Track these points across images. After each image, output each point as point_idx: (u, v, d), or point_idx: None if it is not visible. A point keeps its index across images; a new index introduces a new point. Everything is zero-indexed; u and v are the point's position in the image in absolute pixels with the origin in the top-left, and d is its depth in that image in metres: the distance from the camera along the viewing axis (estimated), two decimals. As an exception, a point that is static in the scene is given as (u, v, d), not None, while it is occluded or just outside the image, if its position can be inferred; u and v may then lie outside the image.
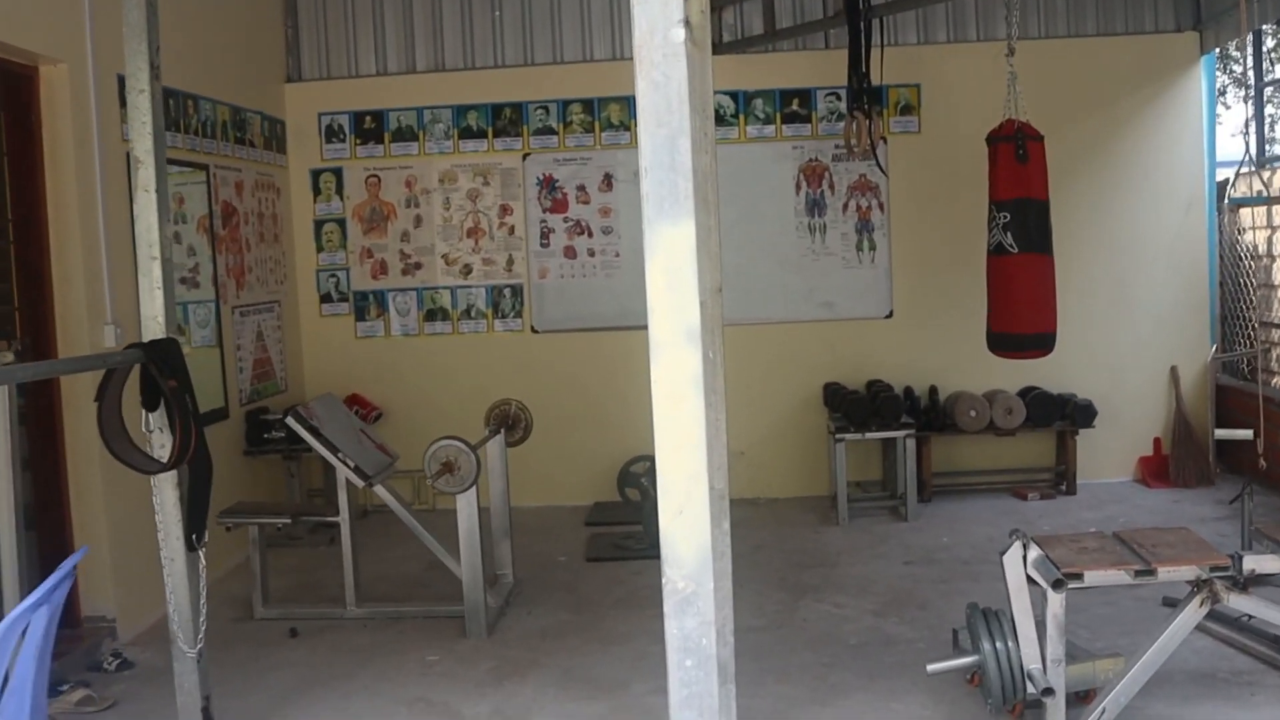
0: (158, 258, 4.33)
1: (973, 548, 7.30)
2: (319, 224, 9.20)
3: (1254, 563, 4.44)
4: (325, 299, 9.24)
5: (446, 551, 6.25)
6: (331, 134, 9.14)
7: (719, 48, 8.89)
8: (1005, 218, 7.08)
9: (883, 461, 8.84)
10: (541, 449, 8.75)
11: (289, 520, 6.53)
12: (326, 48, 9.19)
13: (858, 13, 7.75)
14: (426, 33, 9.11)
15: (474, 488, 5.96)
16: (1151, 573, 4.44)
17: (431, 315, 9.16)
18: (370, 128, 9.11)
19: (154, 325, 4.37)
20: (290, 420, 6.33)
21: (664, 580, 2.49)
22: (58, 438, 6.06)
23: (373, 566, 7.29)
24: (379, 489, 6.44)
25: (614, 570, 7.21)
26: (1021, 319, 7.13)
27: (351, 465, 6.28)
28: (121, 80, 6.31)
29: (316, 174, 9.17)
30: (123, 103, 6.57)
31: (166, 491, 4.38)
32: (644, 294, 2.51)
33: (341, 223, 9.18)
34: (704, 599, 2.45)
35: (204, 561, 4.56)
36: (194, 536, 4.40)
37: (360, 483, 6.30)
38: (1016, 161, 7.08)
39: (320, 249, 9.22)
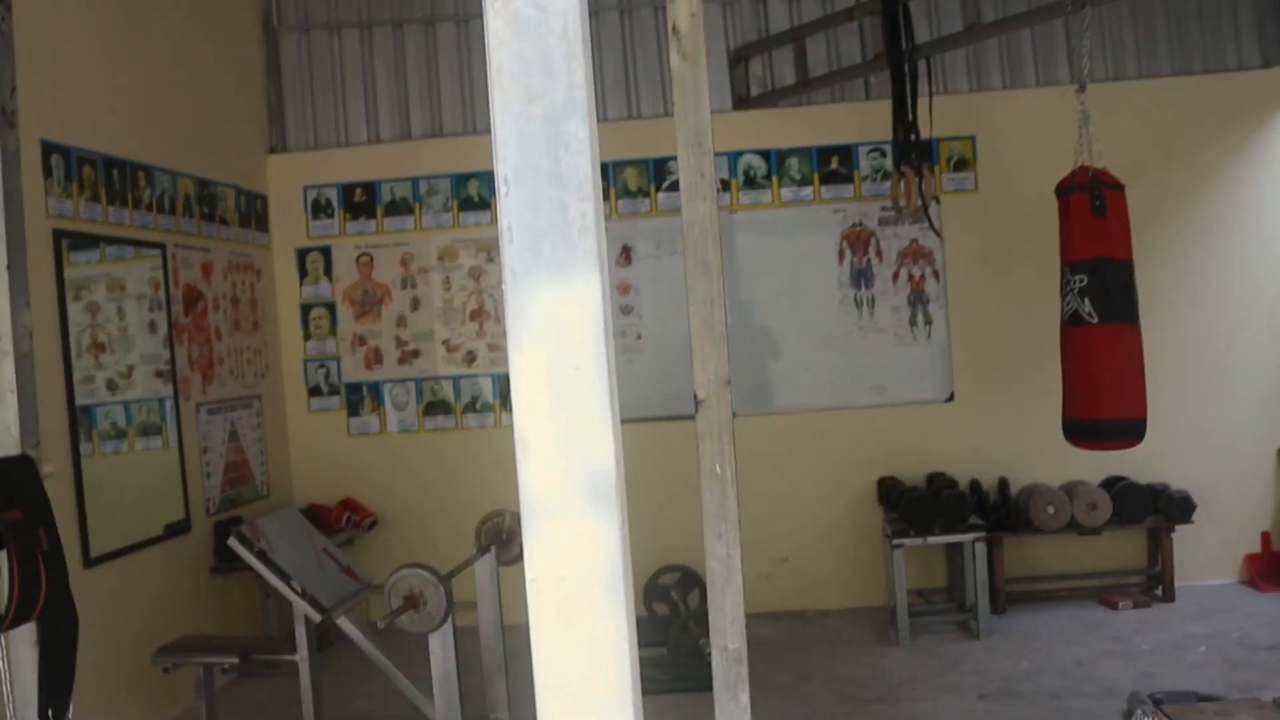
0: (10, 353, 3.35)
1: (1060, 675, 6.12)
2: (306, 309, 8.25)
3: None
4: (314, 392, 8.26)
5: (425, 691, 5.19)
6: (318, 209, 8.23)
7: (747, 101, 7.94)
8: (1082, 281, 6.03)
9: (948, 566, 7.68)
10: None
11: (236, 660, 5.47)
12: (314, 115, 8.31)
13: (900, 54, 6.79)
14: (422, 94, 8.23)
15: (446, 625, 4.89)
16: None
17: (432, 409, 8.16)
18: (361, 201, 8.19)
19: (6, 438, 3.36)
20: (233, 543, 5.30)
21: None
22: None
23: (348, 705, 6.22)
24: (342, 622, 5.39)
25: (635, 707, 6.08)
26: (1104, 402, 6.03)
27: (304, 595, 5.24)
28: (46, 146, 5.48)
29: (302, 253, 8.24)
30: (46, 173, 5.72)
31: (22, 652, 3.34)
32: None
33: (331, 307, 8.23)
34: None
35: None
36: (50, 712, 3.34)
37: (316, 616, 5.25)
38: (1093, 215, 6.05)
39: (308, 336, 8.26)
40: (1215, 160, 7.77)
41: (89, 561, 5.86)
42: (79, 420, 5.91)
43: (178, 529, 6.70)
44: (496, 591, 5.77)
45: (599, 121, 6.40)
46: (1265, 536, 7.75)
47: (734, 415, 7.67)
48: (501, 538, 5.95)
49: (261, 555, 5.29)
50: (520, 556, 5.78)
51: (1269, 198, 7.78)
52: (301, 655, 5.39)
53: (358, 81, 8.27)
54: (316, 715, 5.42)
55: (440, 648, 5.05)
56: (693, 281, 3.35)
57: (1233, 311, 7.76)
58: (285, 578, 5.28)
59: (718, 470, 3.32)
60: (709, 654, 6.37)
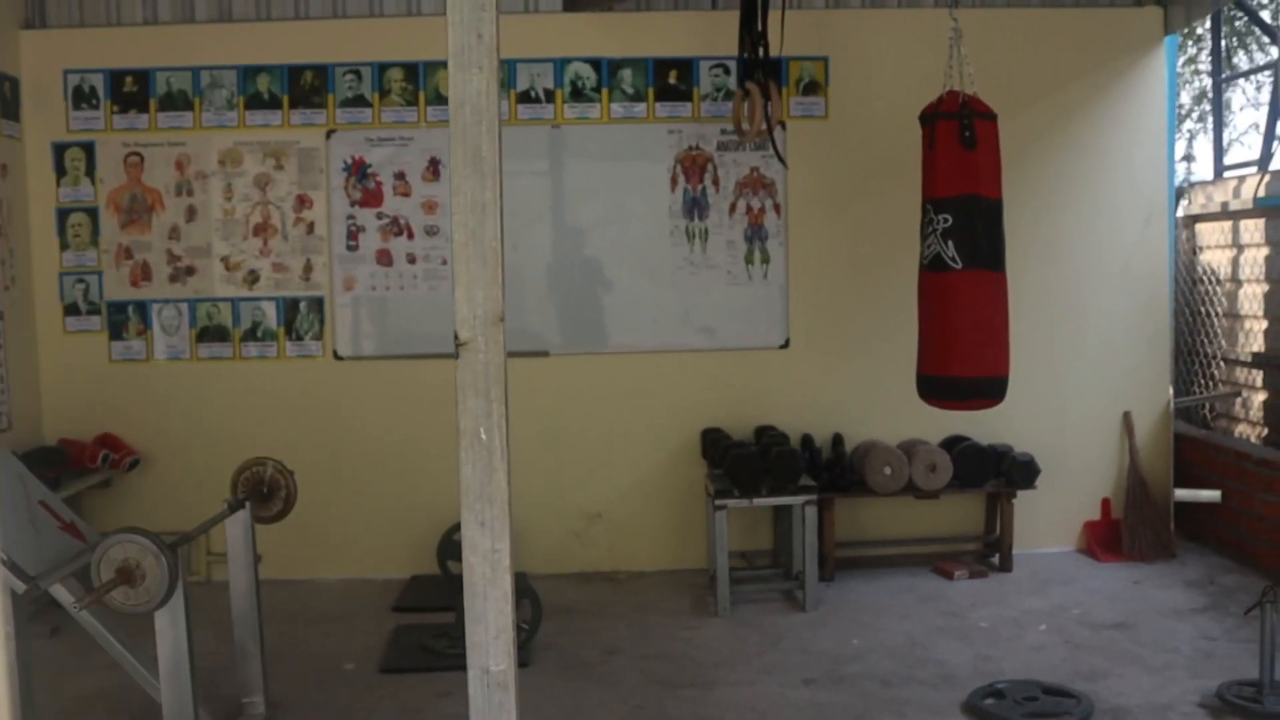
0: None
1: (892, 657, 5.52)
2: (63, 213, 7.13)
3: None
4: (71, 310, 7.17)
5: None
6: (81, 98, 7.10)
7: (578, 3, 7.05)
8: (946, 222, 5.43)
9: (774, 527, 7.04)
10: (344, 507, 6.97)
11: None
12: (80, -13, 7.15)
13: (751, -45, 6.01)
14: (208, -28, 7.13)
15: (175, 602, 4.01)
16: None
17: (207, 334, 7.16)
18: (132, 91, 7.09)
19: None
20: (-91, 492, 4.32)
21: None
22: None
23: (75, 682, 5.31)
24: (56, 590, 4.45)
25: (415, 688, 5.28)
26: (967, 358, 5.45)
27: (5, 560, 4.28)
28: None
29: (60, 148, 7.11)
30: None
31: None
32: None
33: (93, 213, 7.13)
34: None
35: None
36: None
37: (19, 585, 4.30)
38: (961, 147, 5.41)
39: (65, 246, 7.15)
40: (1080, 99, 7.19)
41: None
42: None
43: (-122, 465, 5.63)
44: (251, 554, 4.87)
45: (412, 16, 5.43)
46: (1105, 504, 7.32)
47: (546, 355, 6.88)
48: (261, 490, 5.05)
49: (-57, 508, 4.32)
50: (283, 513, 4.94)
51: (1135, 141, 7.25)
52: (6, 631, 4.43)
53: (132, -48, 7.14)
54: (23, 699, 4.49)
55: (169, 626, 4.16)
56: (458, 181, 2.53)
57: (1090, 262, 7.24)
58: (-26, 536, 4.31)
59: (482, 436, 2.52)
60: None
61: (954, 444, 6.90)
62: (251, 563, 4.89)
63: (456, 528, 6.64)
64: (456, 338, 2.51)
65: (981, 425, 6.86)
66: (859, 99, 7.06)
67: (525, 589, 5.74)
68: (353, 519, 7.06)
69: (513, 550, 2.53)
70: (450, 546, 6.63)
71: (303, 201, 7.10)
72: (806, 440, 6.86)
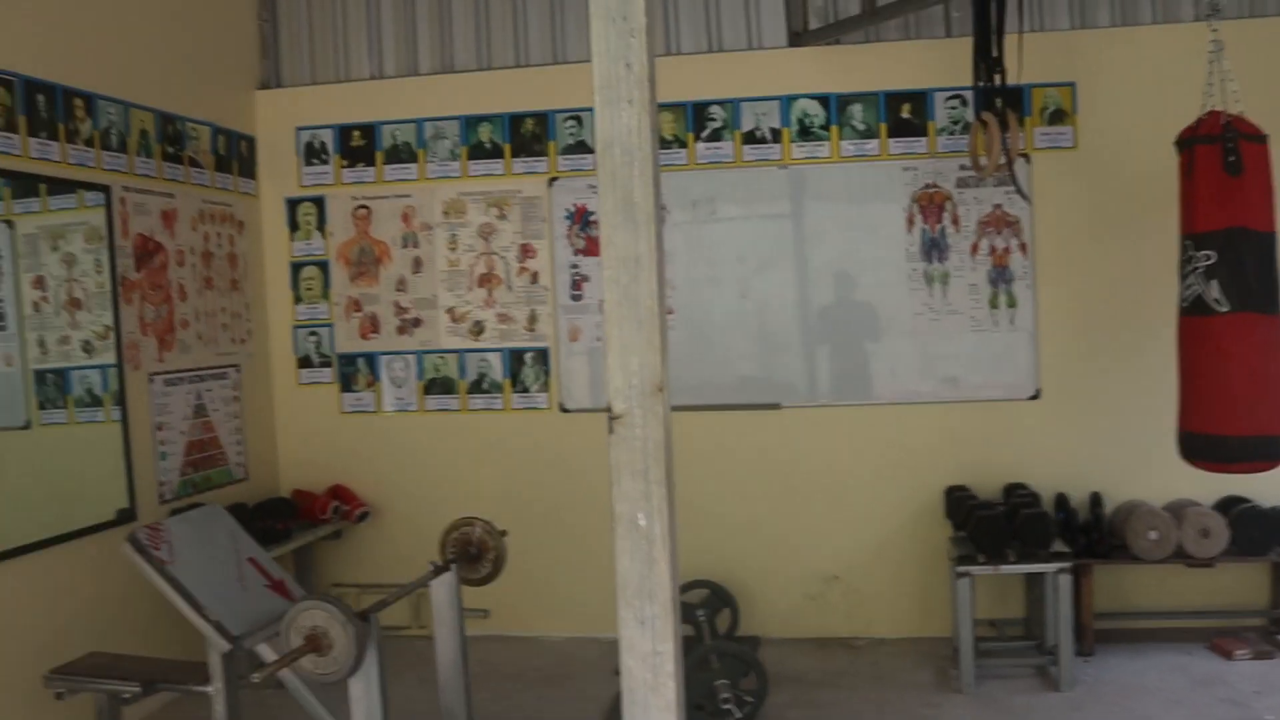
0: None
1: (1167, 753, 4.92)
2: (296, 267, 7.24)
3: None
4: (304, 363, 7.26)
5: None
6: (312, 153, 7.19)
7: (804, 37, 6.71)
8: (1208, 259, 4.87)
9: (1026, 594, 6.47)
10: (569, 562, 6.81)
11: (139, 689, 4.49)
12: (311, 46, 7.26)
13: (988, -22, 5.57)
14: (432, 24, 7.11)
15: (368, 670, 3.84)
16: None
17: (434, 385, 7.11)
18: (359, 145, 7.14)
19: None
20: (126, 550, 4.31)
21: None
22: None
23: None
24: (262, 650, 4.38)
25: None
26: (1237, 413, 4.83)
27: (209, 617, 4.23)
28: None
29: (293, 204, 7.23)
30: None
31: None
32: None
33: (324, 266, 7.21)
34: None
35: None
36: None
37: (223, 644, 4.24)
38: (1224, 174, 4.83)
39: (298, 299, 7.26)
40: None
41: (-13, 557, 4.93)
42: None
43: (121, 519, 5.75)
44: (458, 619, 4.69)
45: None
46: None
47: (777, 407, 6.50)
48: (470, 551, 4.87)
49: (159, 567, 4.30)
50: (491, 576, 4.74)
51: None
52: (216, 688, 4.39)
53: (361, 7, 7.19)
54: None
55: (363, 694, 3.99)
56: (608, 232, 2.23)
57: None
58: (187, 596, 4.28)
59: (641, 522, 2.20)
60: (726, 702, 5.28)
61: (1230, 506, 6.18)
62: (458, 627, 4.69)
63: (688, 587, 6.39)
64: (610, 411, 2.21)
65: (1263, 485, 6.11)
66: (1111, 126, 6.46)
67: (751, 660, 5.40)
68: (577, 574, 6.86)
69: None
70: (680, 607, 6.34)
71: (526, 251, 6.99)
72: (1060, 500, 6.28)
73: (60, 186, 5.52)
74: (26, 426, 5.36)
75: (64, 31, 5.55)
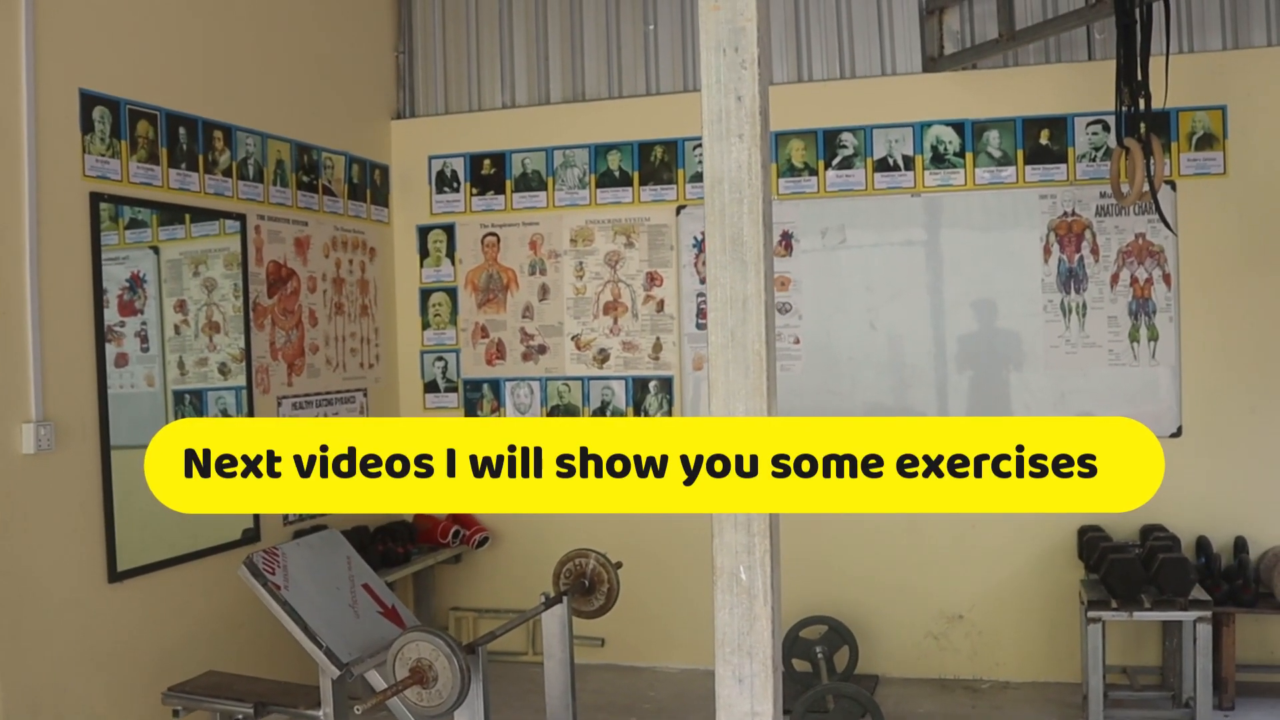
0: None
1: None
2: (425, 293, 7.34)
3: None
4: (430, 388, 7.34)
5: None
6: (443, 182, 7.29)
7: (939, 62, 6.58)
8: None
9: (1162, 641, 6.17)
10: (687, 593, 6.70)
11: (251, 711, 4.54)
12: (445, 77, 7.38)
13: (1132, -3, 5.36)
14: (564, 54, 7.17)
15: (472, 703, 3.80)
16: None
17: (557, 412, 7.12)
18: (489, 174, 7.21)
19: None
20: (242, 574, 4.36)
21: None
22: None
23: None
24: (372, 677, 4.39)
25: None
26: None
27: (320, 644, 4.25)
28: (86, 98, 4.77)
29: (424, 231, 7.33)
30: (85, 128, 4.92)
31: None
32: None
33: (452, 292, 7.29)
34: None
35: None
36: None
37: (334, 670, 4.26)
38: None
39: (426, 325, 7.35)
40: None
41: (114, 575, 5.05)
42: (111, 410, 5.08)
43: (245, 539, 5.86)
44: (568, 651, 4.64)
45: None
46: None
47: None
48: (583, 584, 4.82)
49: (274, 593, 4.34)
50: (605, 608, 4.69)
51: None
52: (325, 713, 4.42)
53: (494, 40, 7.29)
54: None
55: (469, 733, 3.97)
56: (715, 271, 2.16)
57: None
58: (300, 621, 4.31)
59: (742, 576, 2.11)
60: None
61: (1390, 554, 5.82)
62: (568, 660, 4.64)
63: (805, 623, 6.26)
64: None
65: None
66: (1265, 151, 6.17)
67: (867, 703, 5.24)
68: (693, 606, 6.75)
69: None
70: (796, 643, 6.22)
71: (652, 279, 6.97)
72: (1202, 544, 5.98)
73: (201, 215, 5.68)
74: (163, 445, 5.49)
75: (205, 66, 5.72)
